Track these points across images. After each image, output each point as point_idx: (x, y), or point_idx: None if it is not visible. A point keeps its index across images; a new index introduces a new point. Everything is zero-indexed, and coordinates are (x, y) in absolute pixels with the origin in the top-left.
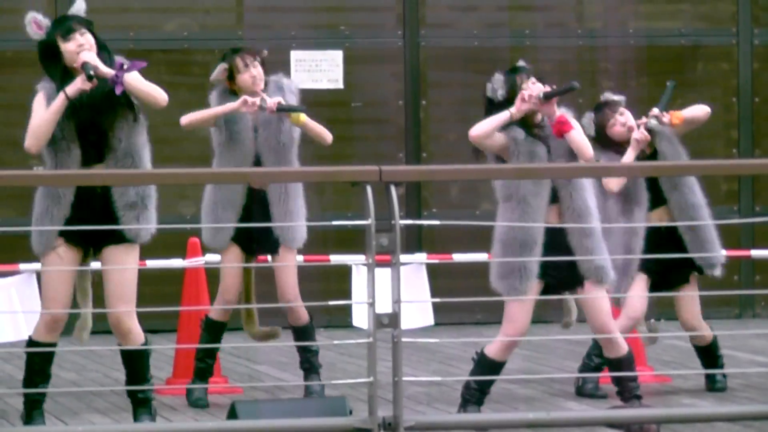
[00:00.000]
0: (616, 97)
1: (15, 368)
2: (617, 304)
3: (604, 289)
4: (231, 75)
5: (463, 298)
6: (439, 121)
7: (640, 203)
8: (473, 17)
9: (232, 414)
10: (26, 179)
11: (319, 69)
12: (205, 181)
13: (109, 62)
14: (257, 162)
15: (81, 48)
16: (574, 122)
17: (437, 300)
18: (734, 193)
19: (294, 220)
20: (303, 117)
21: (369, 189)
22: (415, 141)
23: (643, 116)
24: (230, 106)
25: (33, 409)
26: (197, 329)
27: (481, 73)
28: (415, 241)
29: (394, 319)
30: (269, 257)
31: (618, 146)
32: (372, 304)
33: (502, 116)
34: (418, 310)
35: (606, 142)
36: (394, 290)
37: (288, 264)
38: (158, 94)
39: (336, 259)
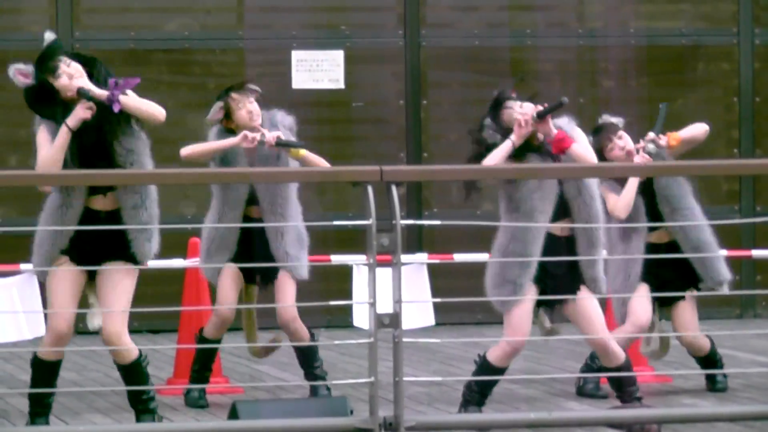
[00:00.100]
0: (615, 120)
1: (16, 368)
2: (621, 322)
3: (596, 300)
4: (227, 114)
5: (463, 298)
6: (439, 120)
7: (639, 229)
8: (474, 17)
9: (233, 414)
10: (26, 179)
11: (320, 69)
12: (206, 180)
13: (103, 75)
14: (252, 199)
15: (72, 78)
16: (576, 132)
17: (438, 300)
18: (735, 193)
19: (292, 252)
20: (302, 151)
21: (370, 189)
22: (415, 141)
23: (641, 139)
24: (230, 141)
25: (36, 416)
26: (198, 329)
27: (482, 73)
28: (415, 241)
29: (395, 319)
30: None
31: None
32: (373, 304)
33: (506, 146)
34: (418, 310)
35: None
36: (395, 290)
37: (286, 286)
38: (156, 111)
39: (337, 259)
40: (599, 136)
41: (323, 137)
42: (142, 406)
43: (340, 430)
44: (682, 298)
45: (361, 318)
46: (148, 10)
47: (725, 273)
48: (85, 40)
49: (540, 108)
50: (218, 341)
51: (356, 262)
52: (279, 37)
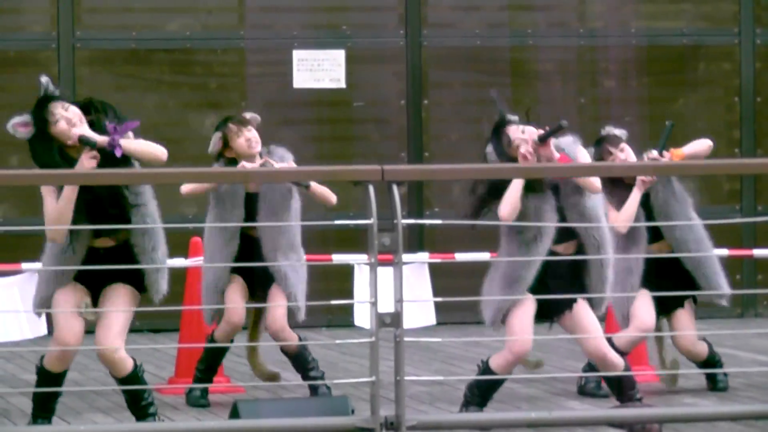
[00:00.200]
0: (618, 132)
1: (17, 367)
2: (623, 327)
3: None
4: (226, 143)
5: (465, 297)
6: (440, 120)
7: (638, 242)
8: (475, 17)
9: (234, 413)
10: (27, 179)
11: (321, 68)
12: (207, 180)
13: (103, 120)
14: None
15: (70, 122)
16: (581, 153)
17: (439, 299)
18: (736, 193)
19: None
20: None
21: (371, 188)
22: (416, 141)
23: (644, 155)
24: None
25: (39, 418)
26: (199, 328)
27: (483, 73)
28: (417, 240)
29: (396, 318)
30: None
31: (620, 180)
32: (374, 304)
33: (517, 185)
34: (420, 309)
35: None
36: (396, 290)
37: (278, 297)
38: (157, 151)
39: (338, 258)
40: (601, 147)
41: (324, 137)
42: (141, 412)
43: (341, 429)
44: (681, 305)
45: (363, 317)
46: (149, 10)
47: (725, 287)
48: (86, 40)
49: (540, 131)
50: (226, 349)
51: (357, 261)
52: (280, 36)
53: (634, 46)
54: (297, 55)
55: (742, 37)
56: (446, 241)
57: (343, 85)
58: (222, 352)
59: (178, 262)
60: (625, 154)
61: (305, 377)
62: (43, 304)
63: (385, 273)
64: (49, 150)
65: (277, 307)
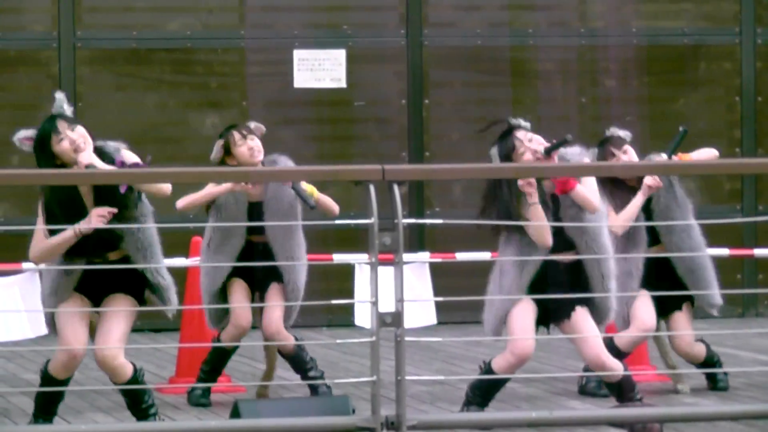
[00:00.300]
0: (622, 134)
1: (18, 367)
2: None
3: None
4: (228, 150)
5: (466, 297)
6: (441, 120)
7: (638, 244)
8: (476, 16)
9: (235, 413)
10: (27, 179)
11: (322, 68)
12: (207, 180)
13: (109, 156)
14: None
15: (74, 144)
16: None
17: (440, 299)
18: (737, 192)
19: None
20: (315, 192)
21: (372, 188)
22: (417, 140)
23: (650, 156)
24: (224, 186)
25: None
26: (200, 328)
27: (484, 73)
28: (417, 240)
29: (396, 318)
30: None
31: (622, 182)
32: (375, 303)
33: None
34: (421, 309)
35: (608, 180)
36: (397, 289)
37: (276, 299)
38: (163, 185)
39: (339, 258)
40: (604, 148)
41: (325, 136)
42: (142, 414)
43: (342, 429)
44: (679, 308)
45: (363, 317)
46: (149, 10)
47: (717, 298)
48: (87, 40)
49: (546, 144)
50: (234, 350)
51: (358, 261)
52: (281, 36)
53: (634, 46)
54: (298, 54)
55: (743, 36)
56: (447, 240)
57: (343, 84)
58: (228, 354)
59: (179, 261)
60: (628, 156)
61: (304, 377)
62: (52, 319)
63: (386, 272)
64: (50, 165)
65: (273, 309)
